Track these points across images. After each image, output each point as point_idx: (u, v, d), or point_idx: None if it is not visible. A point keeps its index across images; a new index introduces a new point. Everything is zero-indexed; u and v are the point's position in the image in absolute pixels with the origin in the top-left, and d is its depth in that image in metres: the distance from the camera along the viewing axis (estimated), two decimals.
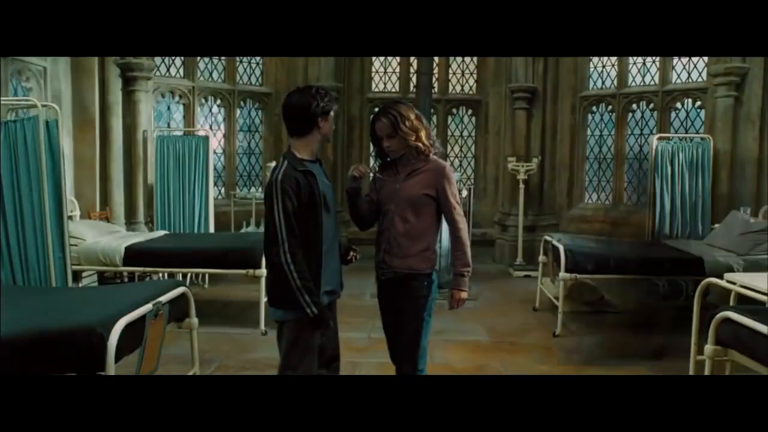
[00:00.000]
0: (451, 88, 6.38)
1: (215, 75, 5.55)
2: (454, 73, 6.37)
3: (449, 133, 6.43)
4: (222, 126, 5.63)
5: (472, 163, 6.45)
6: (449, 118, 6.41)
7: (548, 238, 4.03)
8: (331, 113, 1.82)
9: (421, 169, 1.88)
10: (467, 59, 6.35)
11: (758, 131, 4.40)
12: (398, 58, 6.28)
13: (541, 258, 4.13)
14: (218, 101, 5.58)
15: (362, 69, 6.14)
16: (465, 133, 6.45)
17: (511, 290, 4.82)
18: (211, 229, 3.39)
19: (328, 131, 1.84)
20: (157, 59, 5.03)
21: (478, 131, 6.37)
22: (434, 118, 6.03)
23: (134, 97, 4.66)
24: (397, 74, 6.33)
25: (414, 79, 5.12)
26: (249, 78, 5.80)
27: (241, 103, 5.73)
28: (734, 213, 4.22)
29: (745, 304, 2.56)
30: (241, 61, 5.69)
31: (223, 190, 5.63)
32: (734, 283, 2.61)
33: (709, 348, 2.34)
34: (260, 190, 5.67)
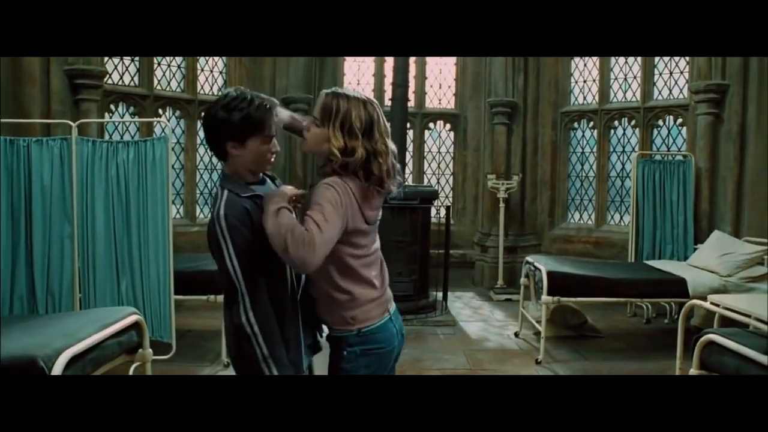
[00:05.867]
0: (428, 101, 6.55)
1: (174, 84, 5.54)
2: (431, 86, 6.55)
3: (426, 149, 6.57)
4: (181, 139, 5.60)
5: (450, 181, 6.59)
6: (426, 133, 6.56)
7: (530, 259, 4.14)
8: (251, 139, 1.39)
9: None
10: (445, 71, 6.54)
11: (738, 149, 4.68)
12: (372, 69, 6.43)
13: (523, 281, 4.24)
14: (177, 112, 5.56)
15: (334, 80, 6.24)
16: (443, 149, 6.60)
17: (491, 315, 4.90)
18: (170, 251, 3.35)
19: (251, 160, 1.42)
20: (110, 65, 5.00)
21: (456, 147, 6.52)
22: (410, 133, 6.16)
23: (82, 106, 4.60)
24: (371, 86, 6.46)
25: (389, 91, 5.26)
26: (211, 87, 5.81)
27: (202, 115, 5.70)
28: (717, 233, 4.46)
29: (729, 326, 2.70)
30: (202, 69, 5.71)
31: (182, 209, 5.57)
32: (718, 305, 2.75)
33: (693, 372, 2.45)
34: None
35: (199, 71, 5.67)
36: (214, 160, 5.88)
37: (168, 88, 5.49)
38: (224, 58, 5.86)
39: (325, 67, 6.10)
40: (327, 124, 1.44)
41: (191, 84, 5.60)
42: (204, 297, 3.47)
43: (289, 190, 1.48)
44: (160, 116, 5.29)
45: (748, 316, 2.51)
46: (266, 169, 1.53)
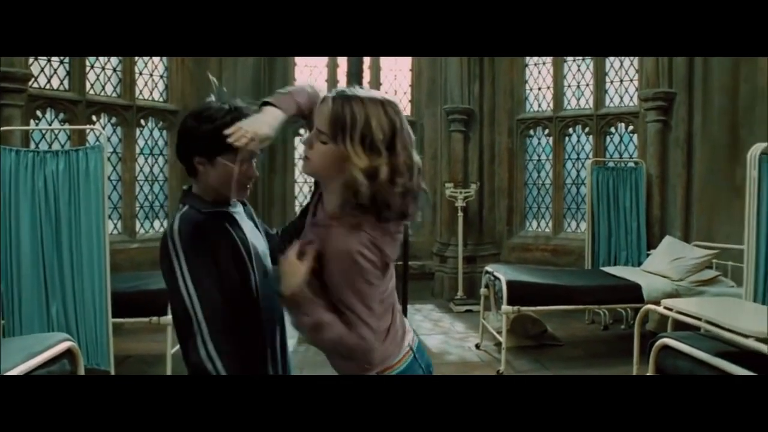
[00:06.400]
0: None
1: (109, 88, 5.35)
2: (386, 92, 6.62)
3: None
4: (118, 148, 5.41)
5: None
6: None
7: (489, 269, 4.25)
8: (221, 157, 1.23)
9: (324, 226, 1.21)
10: (400, 77, 6.65)
11: (686, 156, 5.00)
12: (325, 75, 6.45)
13: (483, 291, 4.34)
14: (113, 119, 5.36)
15: (285, 85, 6.20)
16: None
17: (452, 327, 4.98)
18: (107, 271, 3.21)
19: (219, 183, 1.26)
20: (35, 67, 4.78)
21: None
22: None
23: (4, 112, 4.36)
24: (324, 92, 6.46)
25: None
26: (151, 93, 5.65)
27: (142, 122, 5.55)
28: (668, 238, 4.73)
29: (682, 329, 2.88)
30: (141, 73, 5.55)
31: (120, 224, 5.36)
32: (671, 309, 2.92)
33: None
34: (166, 223, 5.43)
35: (137, 74, 5.50)
36: (155, 170, 5.70)
37: (102, 93, 5.29)
38: (165, 59, 5.72)
39: (275, 72, 6.06)
40: (341, 139, 1.14)
41: (129, 88, 5.42)
42: (146, 319, 3.36)
43: (298, 270, 1.15)
44: (93, 123, 5.09)
45: (699, 319, 2.67)
46: (239, 196, 1.33)
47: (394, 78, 6.65)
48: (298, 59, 6.36)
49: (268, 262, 1.38)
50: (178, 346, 1.31)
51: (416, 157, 1.21)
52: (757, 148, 3.21)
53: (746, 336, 2.31)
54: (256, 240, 1.35)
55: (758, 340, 2.27)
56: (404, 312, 4.86)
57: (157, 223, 5.68)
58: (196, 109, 1.28)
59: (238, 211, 1.36)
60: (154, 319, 3.33)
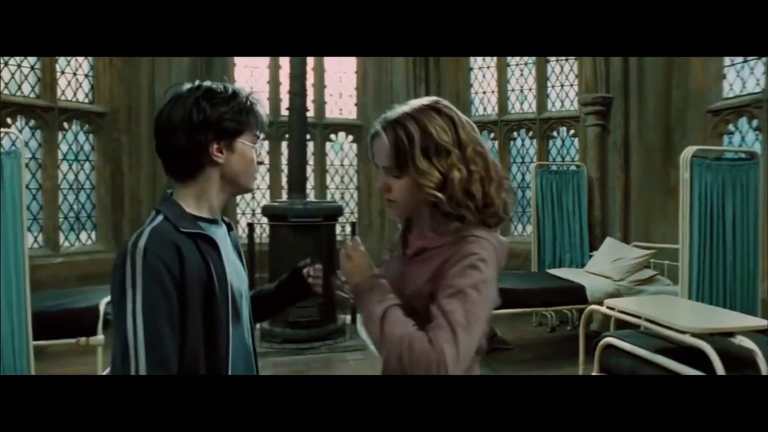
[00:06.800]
0: (328, 111, 6.60)
1: (26, 88, 5.03)
2: (331, 95, 6.62)
3: (328, 162, 6.61)
4: (38, 153, 5.09)
5: (355, 196, 6.68)
6: (327, 145, 6.60)
7: None
8: (241, 139, 1.13)
9: (434, 248, 1.10)
10: (345, 80, 6.66)
11: (623, 160, 5.30)
12: (267, 76, 6.35)
13: None
14: (32, 121, 5.05)
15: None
16: (346, 161, 6.68)
17: None
18: (27, 288, 3.01)
19: (241, 170, 1.15)
20: None
21: (360, 160, 6.63)
22: (311, 145, 6.16)
23: None
24: (266, 94, 6.38)
25: (285, 100, 5.22)
26: (75, 93, 5.36)
27: (65, 125, 5.25)
28: (609, 240, 4.99)
29: (624, 328, 3.03)
30: (63, 72, 5.26)
31: (40, 237, 5.03)
32: (613, 309, 3.07)
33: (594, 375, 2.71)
34: (94, 235, 5.16)
35: (58, 73, 5.21)
36: (81, 177, 5.40)
37: (19, 93, 4.97)
38: (90, 58, 5.45)
39: (212, 72, 5.89)
40: (409, 164, 1.07)
41: (49, 88, 5.12)
42: (72, 340, 3.17)
43: (362, 259, 1.12)
44: (8, 126, 4.77)
45: (639, 317, 2.83)
46: (250, 186, 1.20)
47: (339, 81, 6.65)
48: (237, 59, 6.23)
49: (244, 304, 1.19)
50: (109, 369, 1.09)
51: (486, 144, 1.14)
52: (688, 151, 3.44)
53: (683, 332, 2.47)
54: (236, 276, 1.15)
55: (694, 335, 2.42)
56: (353, 321, 4.86)
57: (84, 235, 5.39)
58: (195, 92, 1.12)
59: (222, 234, 1.18)
60: (82, 339, 3.14)
